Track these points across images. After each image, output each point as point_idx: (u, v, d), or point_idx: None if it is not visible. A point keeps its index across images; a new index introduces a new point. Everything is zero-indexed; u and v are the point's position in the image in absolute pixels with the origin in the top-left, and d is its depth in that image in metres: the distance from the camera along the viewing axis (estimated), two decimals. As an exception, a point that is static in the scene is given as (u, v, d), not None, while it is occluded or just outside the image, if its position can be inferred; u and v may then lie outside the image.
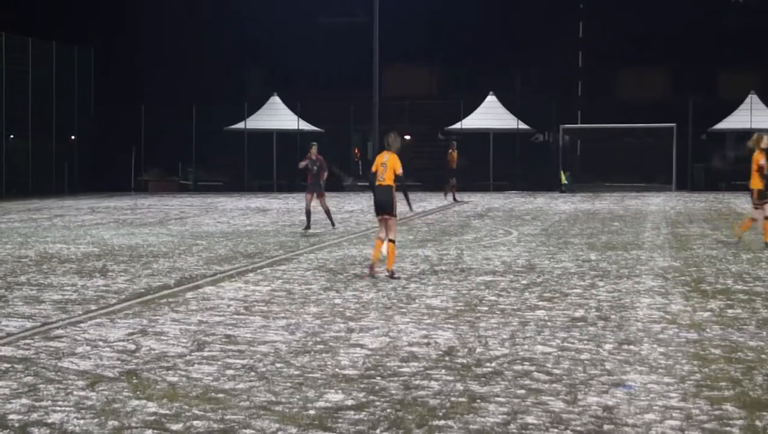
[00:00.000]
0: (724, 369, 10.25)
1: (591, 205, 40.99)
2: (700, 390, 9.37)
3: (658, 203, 41.82)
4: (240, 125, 58.47)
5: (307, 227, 27.42)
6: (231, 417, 8.55)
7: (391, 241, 17.54)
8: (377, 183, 17.68)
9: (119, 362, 10.78)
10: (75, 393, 9.41)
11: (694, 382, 9.70)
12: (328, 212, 28.35)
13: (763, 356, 10.88)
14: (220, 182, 59.50)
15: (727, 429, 8.13)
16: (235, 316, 13.70)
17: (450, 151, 44.09)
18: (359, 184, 60.54)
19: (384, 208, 17.61)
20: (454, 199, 42.95)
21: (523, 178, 56.15)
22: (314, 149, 27.75)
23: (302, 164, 27.85)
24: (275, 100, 58.60)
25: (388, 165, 17.54)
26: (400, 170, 17.48)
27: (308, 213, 27.56)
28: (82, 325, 13.05)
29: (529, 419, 8.44)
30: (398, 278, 17.33)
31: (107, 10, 60.05)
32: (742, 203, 41.80)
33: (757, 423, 8.28)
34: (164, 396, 9.28)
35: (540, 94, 60.65)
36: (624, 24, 61.28)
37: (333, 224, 28.56)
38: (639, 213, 35.48)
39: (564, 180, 53.73)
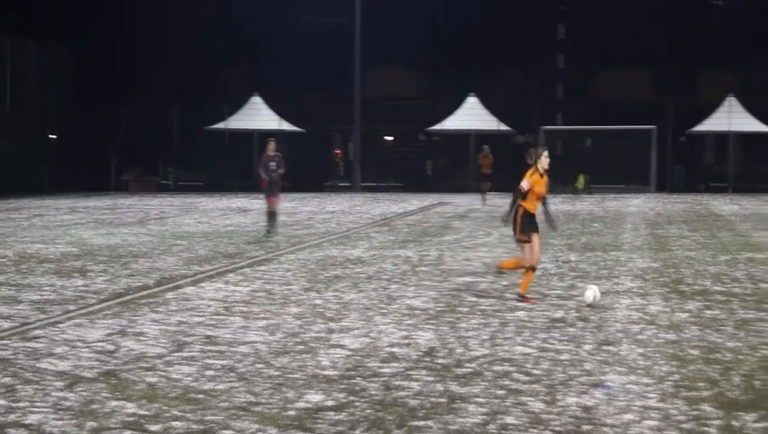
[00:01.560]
0: (702, 370, 10.30)
1: (571, 206, 41.06)
2: (678, 391, 9.41)
3: (637, 205, 41.93)
4: (221, 125, 58.37)
5: (271, 229, 26.55)
6: (210, 417, 8.55)
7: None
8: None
9: (98, 362, 10.76)
10: (53, 393, 9.38)
11: (673, 383, 9.74)
12: (275, 216, 26.87)
13: (740, 357, 10.94)
14: (201, 182, 59.36)
15: (705, 429, 8.17)
16: (215, 316, 13.68)
17: (482, 155, 43.81)
18: (340, 184, 60.55)
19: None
20: (483, 201, 42.31)
21: (503, 179, 56.16)
22: (272, 145, 26.77)
23: (264, 174, 26.45)
24: (256, 100, 58.51)
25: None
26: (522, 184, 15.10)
27: (271, 215, 26.70)
28: (60, 325, 13.01)
29: (509, 419, 8.47)
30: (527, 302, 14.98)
31: (88, 9, 59.85)
32: (720, 204, 41.97)
33: (734, 423, 8.32)
34: (143, 396, 9.27)
35: (521, 95, 60.74)
36: (605, 26, 61.39)
37: (273, 231, 26.53)
38: (618, 214, 35.57)
39: (582, 183, 53.71)
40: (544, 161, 15.05)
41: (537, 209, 15.10)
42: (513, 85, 61.50)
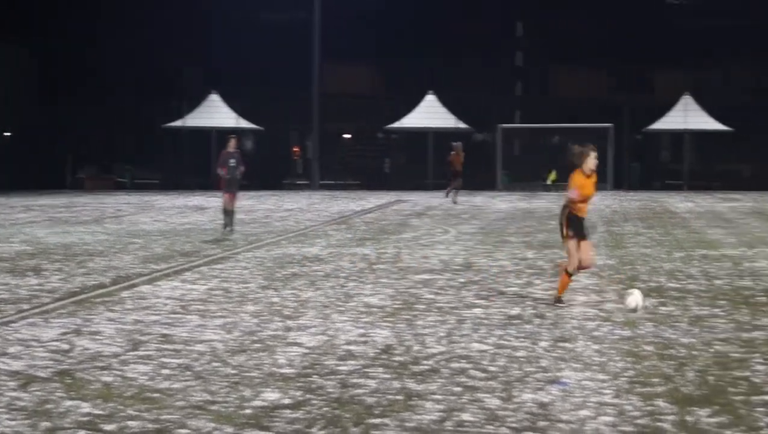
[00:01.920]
0: (657, 366, 10.37)
1: (528, 204, 41.23)
2: (633, 387, 9.48)
3: (594, 202, 42.07)
4: (178, 123, 58.13)
5: (228, 226, 26.30)
6: (166, 416, 8.51)
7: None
8: None
9: (52, 362, 10.68)
10: (6, 393, 9.31)
11: (628, 379, 9.80)
12: (232, 214, 26.58)
13: (694, 352, 11.02)
14: (158, 180, 59.10)
15: (659, 424, 8.23)
16: (172, 315, 13.62)
17: (453, 153, 43.09)
18: (298, 182, 60.46)
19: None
20: (454, 201, 41.32)
21: (462, 177, 56.23)
22: (233, 142, 26.64)
23: (222, 172, 26.38)
24: (214, 97, 58.32)
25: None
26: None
27: (228, 212, 26.52)
28: (14, 325, 12.91)
29: (465, 416, 8.49)
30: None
31: (45, 8, 59.37)
32: (675, 202, 42.29)
33: (688, 418, 8.39)
34: (98, 396, 9.22)
35: (479, 93, 60.87)
36: (563, 24, 61.66)
37: (231, 229, 26.25)
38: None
39: (552, 178, 53.79)
40: (591, 162, 14.14)
41: (585, 211, 14.31)
42: (471, 83, 61.61)
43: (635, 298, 13.15)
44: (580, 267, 14.36)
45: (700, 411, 8.59)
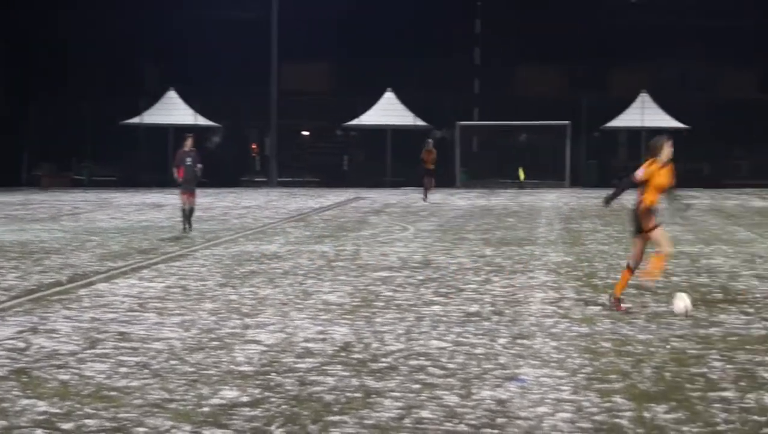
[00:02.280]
0: (614, 362, 10.43)
1: (486, 201, 41.36)
2: (591, 383, 9.52)
3: (552, 200, 42.35)
4: (135, 120, 57.81)
5: (187, 225, 26.03)
6: (124, 415, 8.46)
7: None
8: None
9: (9, 360, 10.59)
10: (-37, 392, 9.22)
11: (585, 375, 9.85)
12: (191, 212, 26.25)
13: (651, 349, 11.09)
14: (115, 177, 58.75)
15: (617, 421, 8.27)
16: (129, 313, 13.55)
17: (425, 150, 42.67)
18: (256, 180, 60.30)
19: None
20: (424, 199, 40.93)
21: (420, 174, 56.29)
22: (190, 141, 26.41)
23: (177, 174, 26.11)
24: (172, 94, 58.05)
25: None
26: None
27: (186, 211, 26.16)
28: (-29, 323, 12.79)
29: (424, 413, 8.50)
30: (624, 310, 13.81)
31: (1, 4, 58.85)
32: (632, 199, 42.50)
33: (646, 414, 8.44)
34: (55, 394, 9.15)
35: (437, 90, 60.93)
36: (520, 21, 61.85)
37: (190, 228, 25.94)
38: (533, 209, 35.90)
39: (522, 177, 53.81)
40: (667, 151, 13.96)
41: (658, 202, 14.03)
42: (430, 80, 61.66)
43: (683, 302, 13.17)
44: (638, 264, 13.93)
45: (657, 408, 8.64)
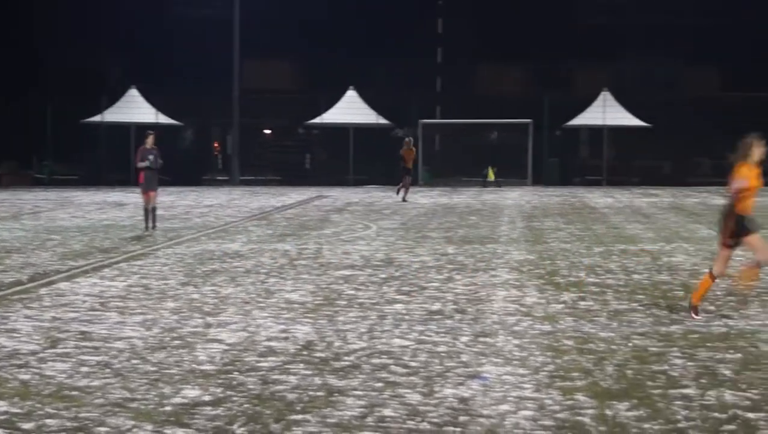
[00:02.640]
0: (576, 360, 10.47)
1: (449, 199, 41.41)
2: (553, 381, 9.55)
3: (514, 198, 42.47)
4: (97, 118, 57.46)
5: (149, 224, 25.91)
6: (85, 414, 8.41)
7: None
8: None
9: (-31, 360, 10.51)
10: None
11: (548, 373, 9.88)
12: (153, 211, 26.16)
13: (613, 347, 11.14)
14: (77, 175, 58.38)
15: (579, 418, 8.31)
16: (91, 312, 13.47)
17: (404, 149, 42.20)
18: (219, 178, 60.09)
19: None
20: (404, 199, 40.20)
21: (382, 173, 56.36)
22: (151, 139, 26.07)
23: (141, 164, 25.90)
24: (133, 93, 57.76)
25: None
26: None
27: (148, 211, 26.03)
28: (-71, 323, 12.67)
29: (386, 412, 8.50)
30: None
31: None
32: (595, 197, 42.74)
33: (607, 412, 8.48)
34: (16, 394, 9.09)
35: (400, 89, 60.97)
36: (482, 20, 61.99)
37: (154, 226, 25.91)
38: (495, 207, 35.98)
39: (491, 176, 53.76)
40: (758, 151, 13.07)
41: (751, 207, 13.10)
42: (392, 78, 61.73)
43: None
44: (722, 273, 13.32)
45: (618, 405, 8.68)
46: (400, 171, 41.72)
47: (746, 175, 12.88)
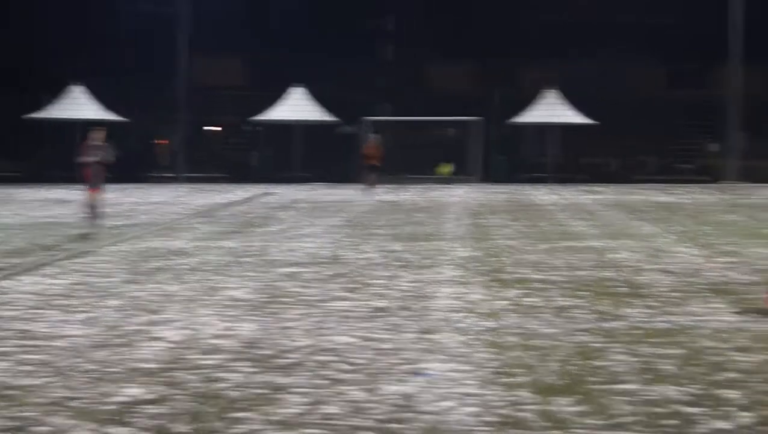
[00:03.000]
0: (520, 356, 10.50)
1: (396, 197, 41.44)
2: (497, 377, 9.57)
3: (460, 195, 42.60)
4: (40, 114, 56.92)
5: (94, 221, 25.62)
6: (25, 414, 8.31)
7: None
8: None
9: None
10: None
11: (491, 369, 9.90)
12: (98, 207, 25.88)
13: (556, 343, 11.18)
14: (19, 172, 57.79)
15: (522, 414, 8.33)
16: (32, 310, 13.32)
17: (368, 145, 41.71)
18: (164, 175, 59.74)
19: None
20: (371, 193, 40.29)
21: (328, 170, 56.35)
22: (96, 135, 25.89)
23: (87, 159, 25.74)
24: (77, 89, 57.27)
25: None
26: None
27: (93, 208, 25.87)
28: None
29: (330, 409, 8.47)
30: None
31: None
32: (540, 194, 42.95)
33: (550, 407, 8.50)
34: (-46, 393, 8.97)
35: (347, 86, 60.91)
36: (432, 18, 62.10)
37: (98, 223, 25.54)
38: (442, 205, 36.07)
39: (446, 171, 53.68)
40: None
41: None
42: (340, 75, 61.65)
43: None
44: None
45: (561, 401, 8.71)
46: (362, 169, 41.73)
47: None
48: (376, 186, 41.70)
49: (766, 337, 11.53)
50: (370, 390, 9.08)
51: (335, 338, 11.47)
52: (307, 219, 29.06)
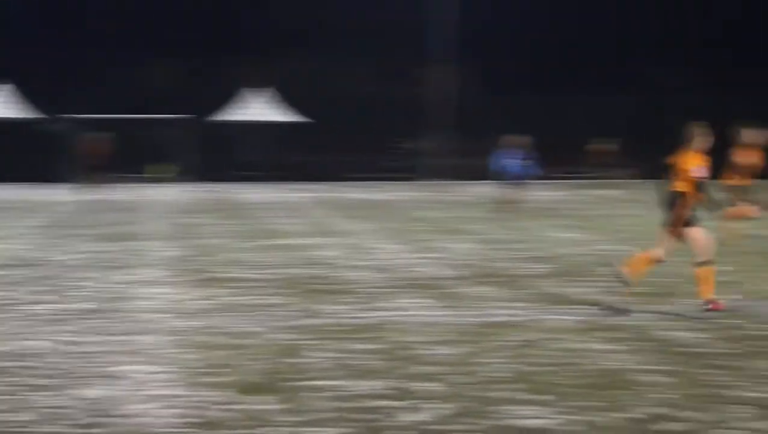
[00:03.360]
0: (226, 356, 10.47)
1: (104, 196, 40.54)
2: (202, 377, 9.51)
3: (172, 194, 42.16)
4: None
5: None
6: None
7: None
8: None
9: None
10: None
11: (197, 370, 9.83)
12: None
13: (262, 342, 11.21)
14: None
15: (227, 413, 8.33)
16: None
17: (96, 144, 39.88)
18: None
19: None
20: (104, 195, 38.54)
21: (32, 169, 54.41)
22: None
23: None
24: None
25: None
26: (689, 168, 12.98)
27: None
28: None
29: (27, 416, 8.20)
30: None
31: None
32: (250, 192, 43.04)
33: (253, 406, 8.51)
34: None
35: (58, 83, 59.02)
36: (144, 15, 61.21)
37: None
38: (152, 204, 35.60)
39: (160, 171, 52.44)
40: (700, 140, 13.07)
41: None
42: (50, 72, 59.80)
43: None
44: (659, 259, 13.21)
45: (263, 399, 8.74)
46: (80, 168, 40.59)
47: (701, 163, 12.95)
48: (97, 185, 40.73)
49: (468, 330, 11.91)
50: (71, 396, 8.84)
51: (34, 343, 11.10)
52: (5, 221, 27.98)
